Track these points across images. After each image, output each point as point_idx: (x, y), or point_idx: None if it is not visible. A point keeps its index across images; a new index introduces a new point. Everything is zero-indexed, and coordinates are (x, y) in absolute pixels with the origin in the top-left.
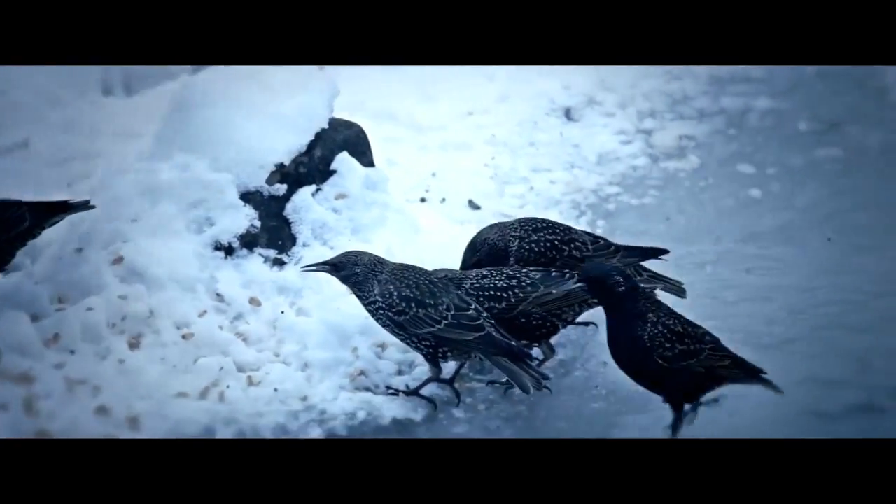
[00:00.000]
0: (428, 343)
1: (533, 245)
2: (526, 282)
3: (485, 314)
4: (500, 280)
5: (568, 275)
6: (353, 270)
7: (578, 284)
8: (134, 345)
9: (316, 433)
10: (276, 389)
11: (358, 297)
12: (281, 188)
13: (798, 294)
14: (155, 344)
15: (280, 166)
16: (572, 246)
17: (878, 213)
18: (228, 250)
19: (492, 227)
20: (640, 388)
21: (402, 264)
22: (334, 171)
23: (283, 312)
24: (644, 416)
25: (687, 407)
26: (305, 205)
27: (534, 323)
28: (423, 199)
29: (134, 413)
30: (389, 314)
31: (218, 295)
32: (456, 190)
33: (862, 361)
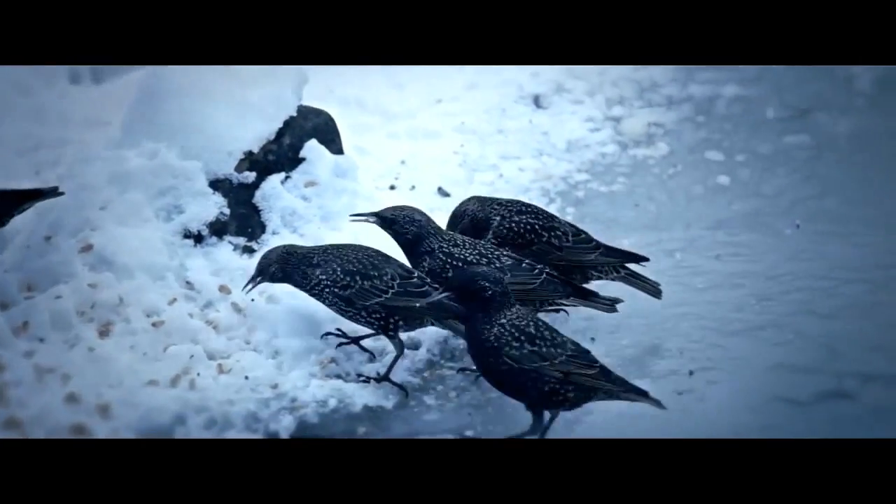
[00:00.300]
0: (378, 315)
1: (513, 225)
2: (496, 265)
3: (429, 281)
4: (470, 254)
5: (537, 270)
6: (270, 269)
7: (444, 294)
8: (104, 333)
9: (287, 421)
10: (246, 377)
11: (298, 287)
12: (250, 176)
13: (766, 281)
14: (125, 332)
15: (249, 154)
16: (552, 234)
17: (846, 200)
18: (198, 238)
19: (472, 199)
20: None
21: (335, 244)
22: (303, 159)
23: (253, 300)
24: (616, 402)
25: (547, 415)
26: (275, 192)
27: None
28: (392, 187)
29: (104, 401)
30: (335, 290)
31: (188, 283)
32: (425, 177)
33: (831, 348)
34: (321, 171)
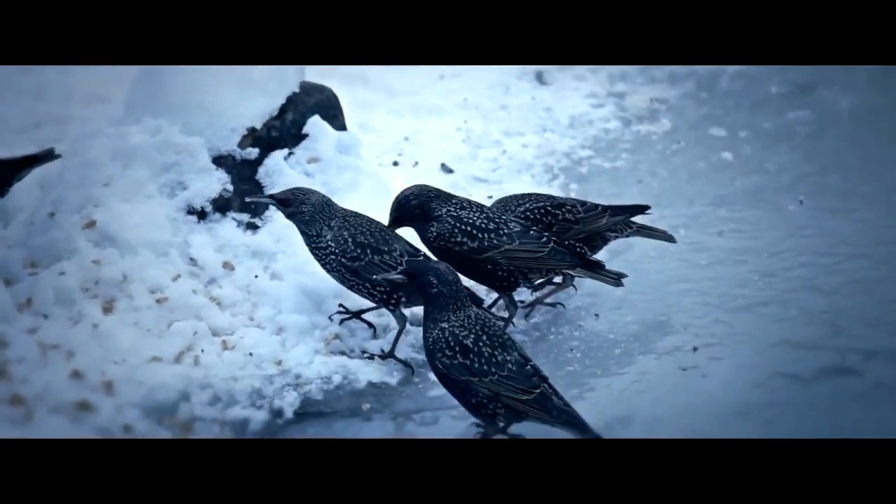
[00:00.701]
0: (382, 289)
1: (528, 213)
2: (504, 231)
3: (436, 260)
4: (479, 219)
5: (545, 238)
6: (301, 209)
7: (399, 276)
8: (107, 309)
9: (291, 397)
10: (250, 354)
11: (303, 235)
12: (253, 152)
13: (769, 257)
14: (128, 308)
15: (252, 130)
16: (564, 209)
17: (848, 176)
18: (201, 214)
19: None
20: (617, 351)
21: (350, 210)
22: (306, 135)
23: (256, 276)
24: (619, 378)
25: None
26: (278, 168)
27: (499, 273)
28: (395, 163)
29: (108, 378)
30: (343, 260)
31: (191, 259)
32: (429, 154)
33: (833, 324)
34: (324, 147)
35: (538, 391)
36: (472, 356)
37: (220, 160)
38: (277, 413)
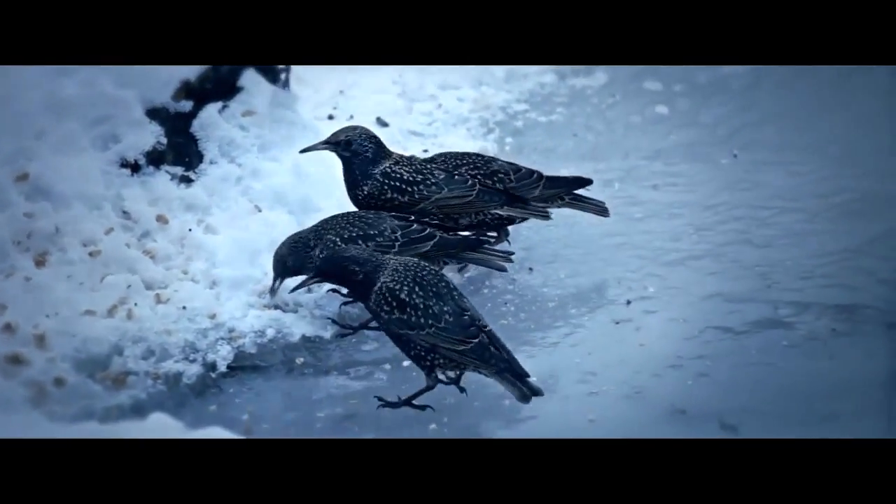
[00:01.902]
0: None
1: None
2: (431, 181)
3: (427, 220)
4: (408, 173)
5: (471, 182)
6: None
7: (314, 279)
8: (40, 262)
9: (224, 351)
10: (184, 307)
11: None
12: (187, 105)
13: (703, 210)
14: (61, 261)
15: (186, 83)
16: (495, 178)
17: (782, 129)
18: (135, 167)
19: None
20: (551, 304)
21: (325, 218)
22: (241, 88)
23: (190, 230)
24: (553, 331)
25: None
26: (212, 121)
27: (432, 223)
28: (330, 117)
29: (40, 331)
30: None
31: (125, 212)
32: (364, 107)
33: (766, 277)
34: (259, 100)
35: (475, 341)
36: (408, 310)
37: (153, 113)
38: (211, 367)
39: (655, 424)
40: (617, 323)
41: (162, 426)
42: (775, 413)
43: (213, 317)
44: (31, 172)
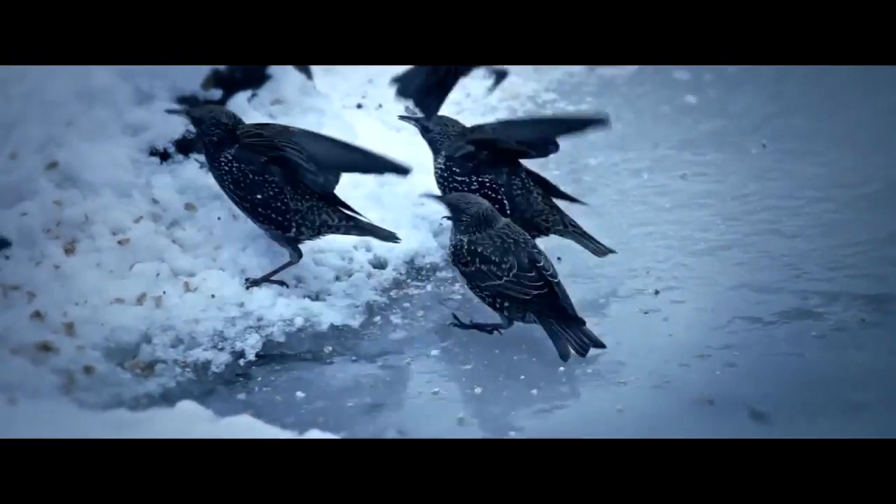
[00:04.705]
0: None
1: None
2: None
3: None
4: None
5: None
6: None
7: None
8: (69, 250)
9: (253, 339)
10: (212, 296)
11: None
12: (216, 93)
13: (732, 200)
14: (90, 249)
15: (215, 71)
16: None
17: (811, 119)
18: (164, 155)
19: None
20: (579, 294)
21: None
22: (270, 77)
23: (219, 218)
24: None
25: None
26: (241, 110)
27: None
28: (359, 106)
29: (69, 319)
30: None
31: (154, 200)
32: (392, 97)
33: (795, 267)
34: (287, 89)
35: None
36: (485, 263)
37: (183, 101)
38: (239, 355)
39: (684, 414)
40: (645, 313)
41: (190, 414)
42: (803, 403)
43: (241, 305)
44: (61, 160)
